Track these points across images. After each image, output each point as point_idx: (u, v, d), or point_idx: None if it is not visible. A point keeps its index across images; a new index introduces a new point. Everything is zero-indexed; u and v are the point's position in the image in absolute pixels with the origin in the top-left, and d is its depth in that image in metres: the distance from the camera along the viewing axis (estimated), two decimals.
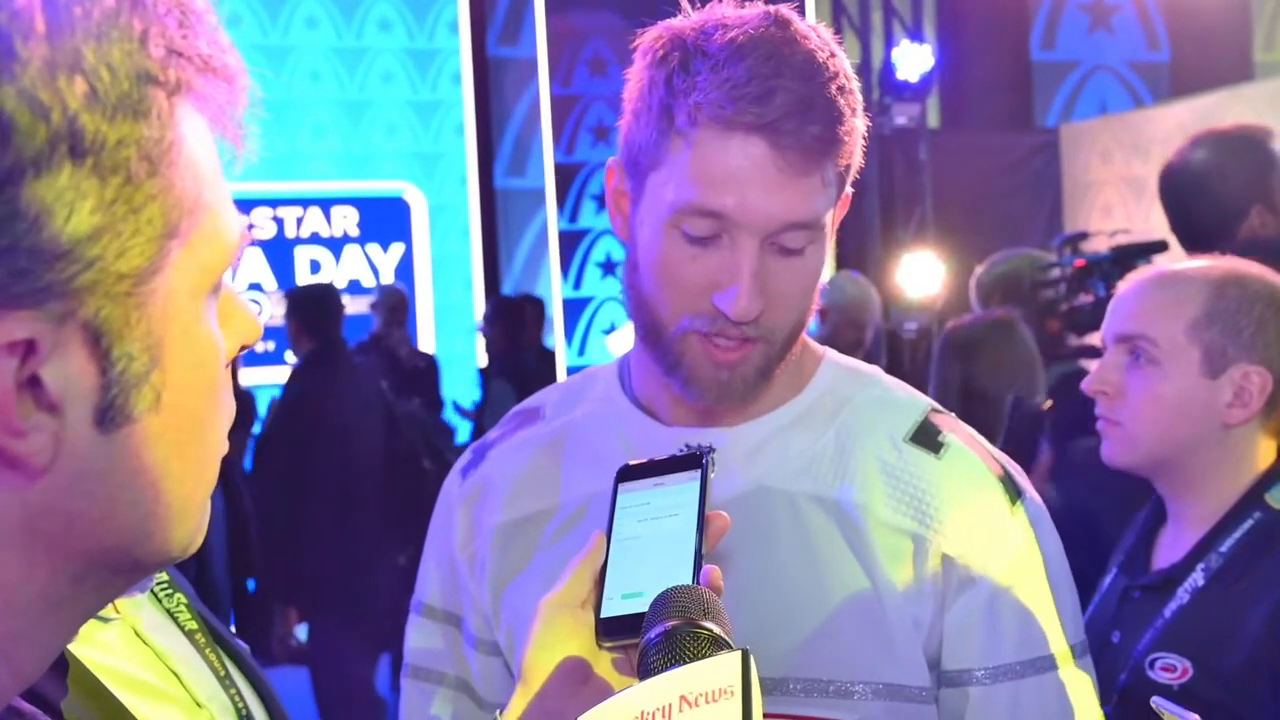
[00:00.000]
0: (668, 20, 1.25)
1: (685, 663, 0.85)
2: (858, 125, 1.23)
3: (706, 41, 1.19)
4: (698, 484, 1.08)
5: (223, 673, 1.09)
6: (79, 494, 0.65)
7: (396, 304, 7.18)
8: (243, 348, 0.75)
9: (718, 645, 0.88)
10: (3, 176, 0.58)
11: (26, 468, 0.62)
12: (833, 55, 1.21)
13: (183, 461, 0.68)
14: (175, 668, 1.04)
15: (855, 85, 1.24)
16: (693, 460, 1.11)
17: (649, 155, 1.22)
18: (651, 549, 1.06)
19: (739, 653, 0.76)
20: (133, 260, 0.62)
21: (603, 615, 1.02)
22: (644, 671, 0.88)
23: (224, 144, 0.70)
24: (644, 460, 1.14)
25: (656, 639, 0.90)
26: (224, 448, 0.73)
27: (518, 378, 6.38)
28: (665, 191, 1.21)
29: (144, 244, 0.63)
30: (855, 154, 1.25)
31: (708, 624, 0.90)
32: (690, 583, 1.00)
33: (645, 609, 0.97)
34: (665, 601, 0.93)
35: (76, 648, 0.93)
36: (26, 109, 0.58)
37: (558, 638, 1.02)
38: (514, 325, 6.83)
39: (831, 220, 1.26)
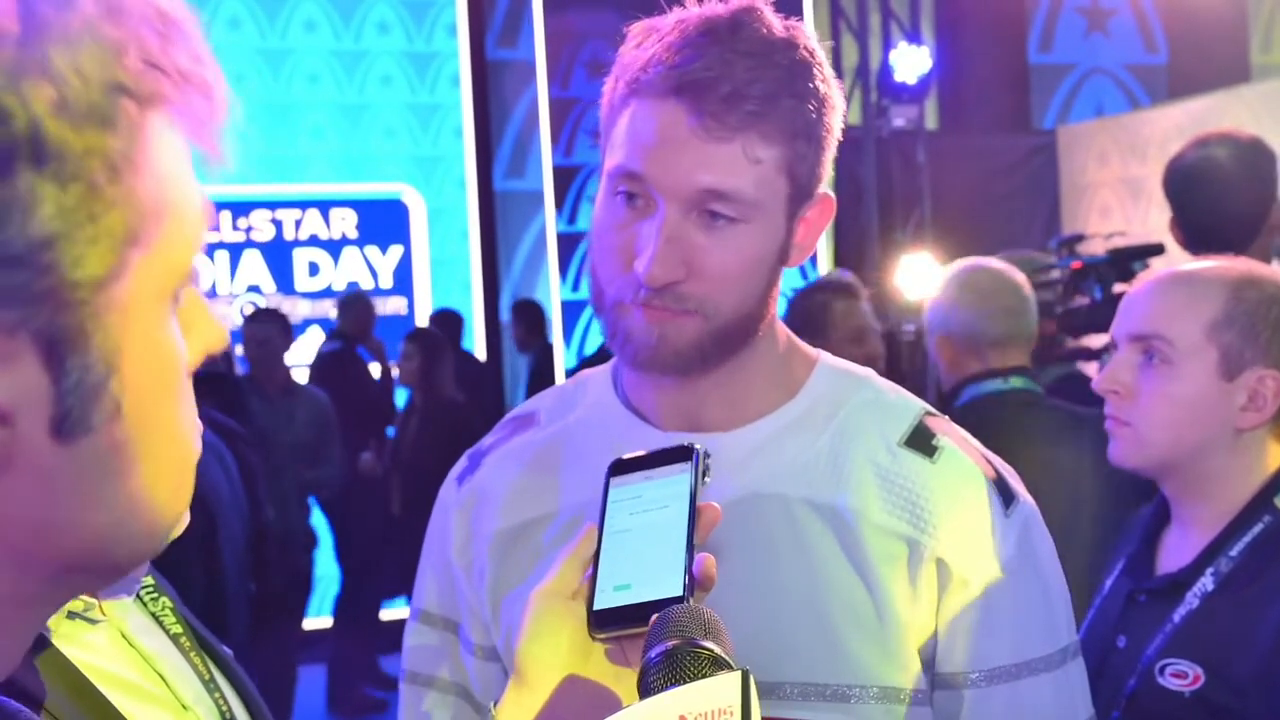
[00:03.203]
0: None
1: (686, 682, 0.85)
2: (809, 113, 1.22)
3: (664, 23, 1.22)
4: (688, 475, 1.09)
5: (207, 676, 1.09)
6: (43, 503, 0.63)
7: (362, 311, 7.12)
8: (206, 355, 0.73)
9: (718, 665, 0.88)
10: None
11: None
12: (792, 45, 1.21)
13: (154, 466, 0.67)
14: (161, 670, 1.04)
15: (820, 79, 1.23)
16: (684, 452, 1.11)
17: (605, 131, 1.26)
18: (643, 541, 1.06)
19: (739, 673, 0.77)
20: (90, 268, 0.61)
21: (595, 608, 1.03)
22: (644, 691, 0.88)
23: (204, 155, 0.70)
24: (636, 454, 1.14)
25: (657, 658, 0.90)
26: (196, 450, 0.72)
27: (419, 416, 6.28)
28: (609, 160, 1.23)
29: (103, 252, 0.61)
30: (810, 146, 1.23)
31: (708, 644, 0.90)
32: (683, 574, 1.02)
33: (636, 600, 1.01)
34: (666, 621, 0.93)
35: (64, 647, 0.94)
36: None
37: (549, 630, 1.03)
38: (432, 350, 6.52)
39: (786, 213, 1.25)
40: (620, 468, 1.13)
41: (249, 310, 6.83)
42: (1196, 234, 2.74)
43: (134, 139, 0.63)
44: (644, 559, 1.05)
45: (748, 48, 1.18)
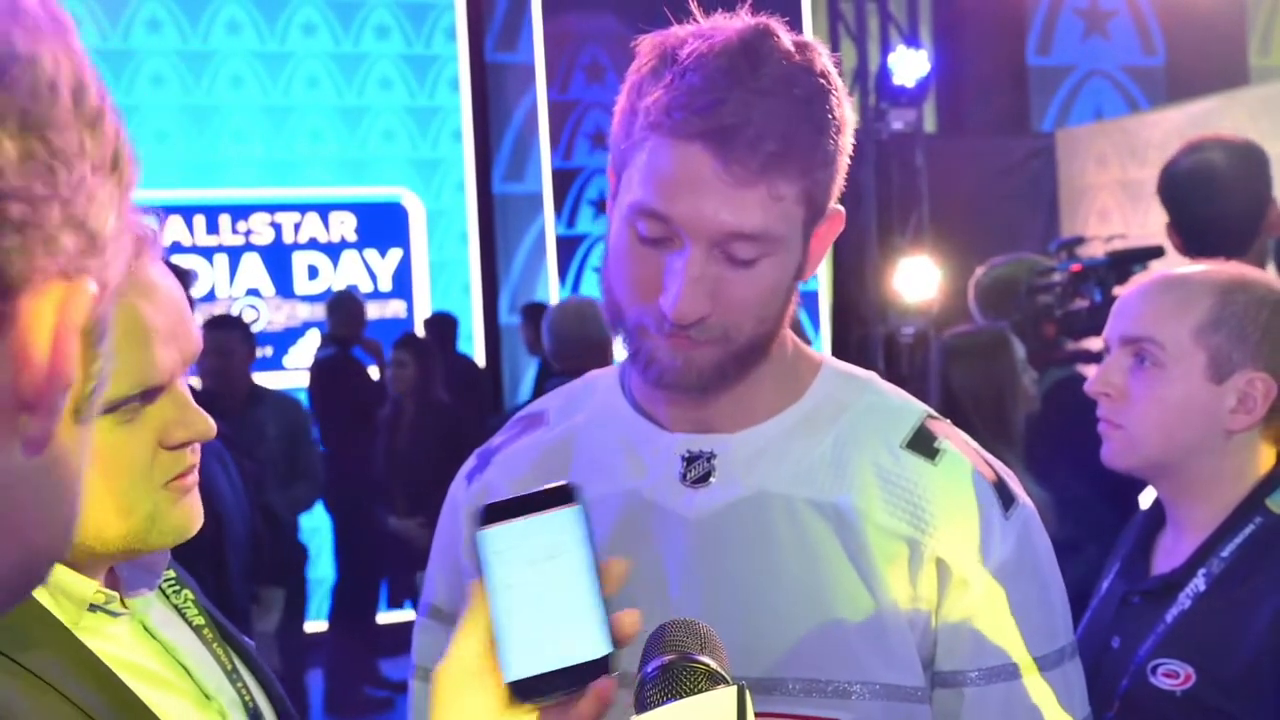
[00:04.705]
0: (668, 29, 1.27)
1: (682, 697, 0.86)
2: (828, 143, 1.24)
3: (680, 49, 1.22)
4: (577, 521, 0.97)
5: (230, 667, 1.12)
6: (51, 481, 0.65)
7: (352, 311, 6.92)
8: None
9: (714, 680, 0.89)
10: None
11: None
12: (810, 72, 1.22)
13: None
14: (184, 661, 1.07)
15: (837, 103, 1.24)
16: (562, 494, 0.98)
17: (620, 157, 1.26)
18: (542, 596, 0.95)
19: (735, 688, 0.78)
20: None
21: (512, 678, 0.92)
22: (640, 705, 0.89)
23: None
24: (507, 499, 1.00)
25: (654, 673, 0.90)
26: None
27: None
28: (627, 192, 1.25)
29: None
30: (826, 172, 1.25)
31: (704, 658, 0.91)
32: (602, 629, 0.93)
33: (558, 665, 0.92)
34: (661, 636, 0.94)
35: (87, 639, 0.97)
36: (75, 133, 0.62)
37: (462, 710, 0.92)
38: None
39: (803, 236, 1.27)
40: (493, 515, 1.00)
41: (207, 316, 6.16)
42: (1195, 239, 2.76)
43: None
44: (550, 617, 0.94)
45: (769, 84, 1.19)
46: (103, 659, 0.98)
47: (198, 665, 1.08)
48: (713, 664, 0.90)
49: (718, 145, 1.18)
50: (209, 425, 1.02)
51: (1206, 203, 2.78)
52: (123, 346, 0.95)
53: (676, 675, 0.89)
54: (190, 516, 1.03)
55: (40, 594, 0.98)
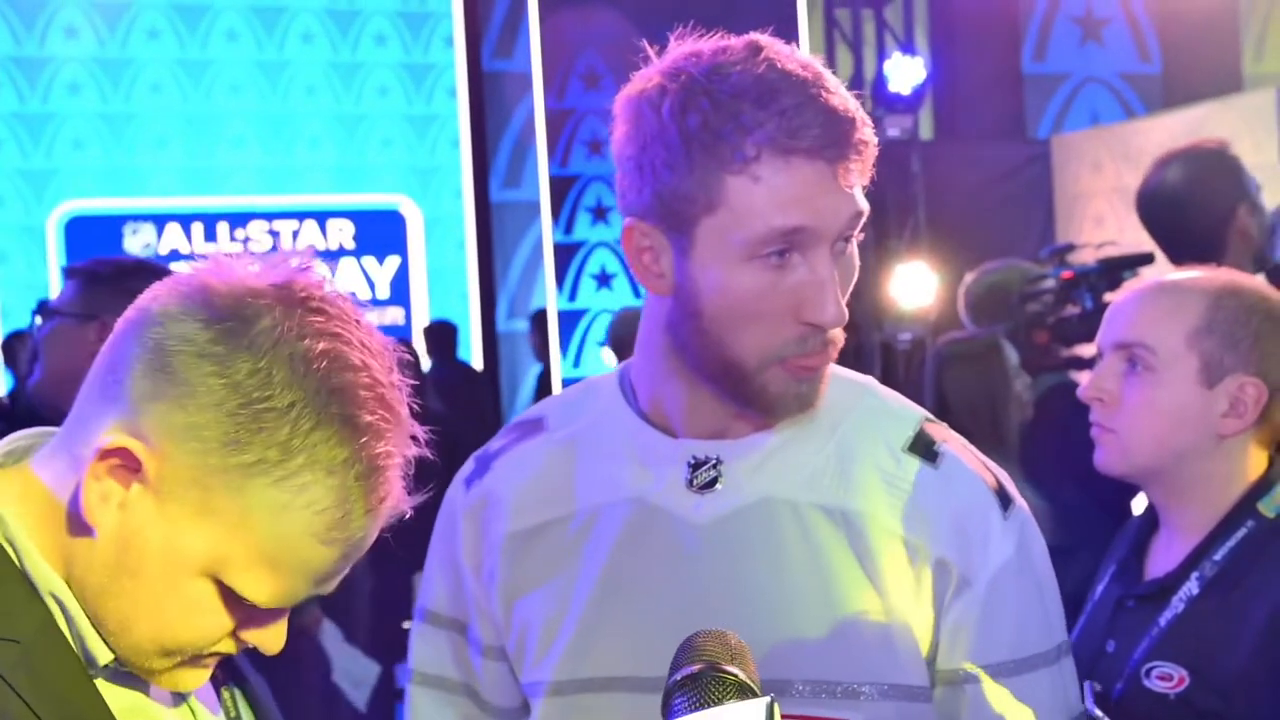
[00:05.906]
0: (649, 70, 1.26)
1: (710, 706, 0.87)
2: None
3: (724, 82, 1.21)
4: None
5: (234, 714, 1.12)
6: None
7: None
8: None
9: (743, 691, 0.89)
10: None
11: None
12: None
13: None
14: (192, 704, 1.08)
15: None
16: None
17: (697, 203, 1.23)
18: None
19: (764, 700, 0.78)
20: None
21: None
22: (669, 715, 0.90)
23: None
24: None
25: (682, 681, 0.91)
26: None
27: None
28: (735, 230, 1.22)
29: None
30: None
31: (733, 669, 0.91)
32: None
33: None
34: (692, 646, 0.94)
35: (106, 683, 0.98)
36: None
37: None
38: None
39: None
40: None
41: None
42: (1170, 252, 2.82)
43: None
44: None
45: (832, 85, 1.23)
46: (117, 706, 0.98)
47: (203, 704, 1.09)
48: (742, 675, 0.91)
49: (830, 153, 1.21)
50: (280, 647, 1.03)
51: (1172, 217, 2.84)
52: (283, 570, 0.95)
53: (705, 685, 0.90)
54: (197, 682, 1.04)
55: (70, 640, 0.98)
